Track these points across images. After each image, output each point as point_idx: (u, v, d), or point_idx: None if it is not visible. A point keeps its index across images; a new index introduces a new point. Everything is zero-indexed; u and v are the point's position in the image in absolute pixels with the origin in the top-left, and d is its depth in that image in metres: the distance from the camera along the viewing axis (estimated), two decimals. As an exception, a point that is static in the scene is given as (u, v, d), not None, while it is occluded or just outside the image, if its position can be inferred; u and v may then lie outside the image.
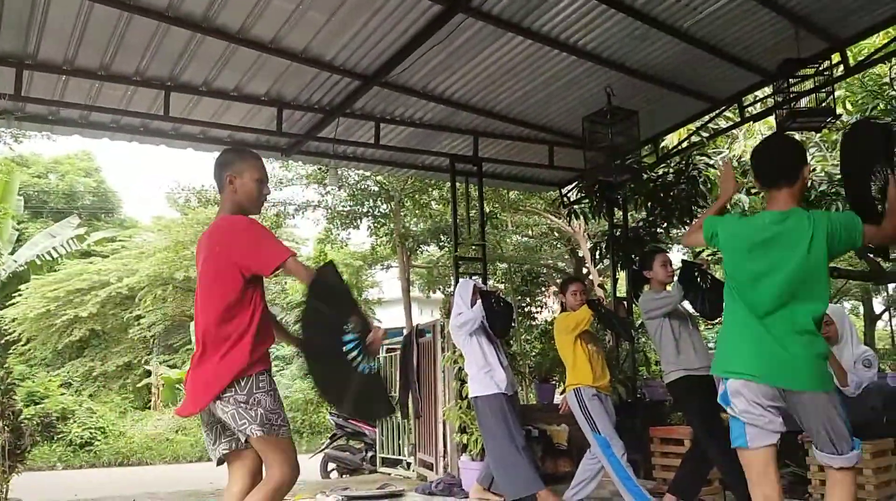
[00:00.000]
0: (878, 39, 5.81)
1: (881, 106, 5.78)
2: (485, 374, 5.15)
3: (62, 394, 13.12)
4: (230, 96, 5.53)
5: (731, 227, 2.67)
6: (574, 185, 7.92)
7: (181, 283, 18.70)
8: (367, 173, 12.46)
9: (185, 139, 6.11)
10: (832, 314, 4.66)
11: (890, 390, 5.11)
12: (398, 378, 7.22)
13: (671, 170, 6.96)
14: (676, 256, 15.79)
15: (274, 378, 2.65)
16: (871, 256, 7.27)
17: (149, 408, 16.24)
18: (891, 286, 16.20)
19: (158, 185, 37.47)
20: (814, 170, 6.42)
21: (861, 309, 19.22)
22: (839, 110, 5.76)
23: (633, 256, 7.13)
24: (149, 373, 17.35)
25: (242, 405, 2.46)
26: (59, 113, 5.55)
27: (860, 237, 2.44)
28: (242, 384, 2.47)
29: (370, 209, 13.58)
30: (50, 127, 5.71)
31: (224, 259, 2.51)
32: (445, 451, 6.33)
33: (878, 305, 19.17)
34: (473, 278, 5.80)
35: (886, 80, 5.90)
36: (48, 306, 17.43)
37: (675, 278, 4.64)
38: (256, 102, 5.65)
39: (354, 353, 2.50)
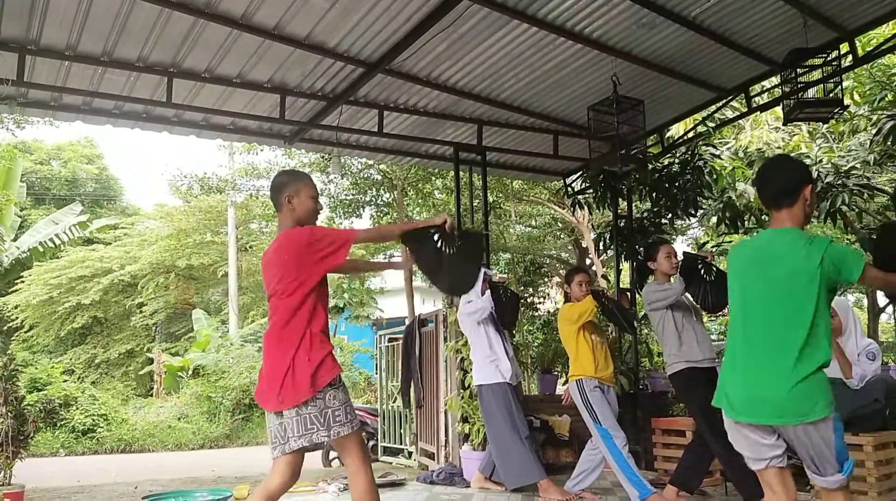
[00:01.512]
0: (887, 29, 5.75)
1: (889, 97, 5.73)
2: (490, 363, 5.17)
3: (65, 381, 13.15)
4: (233, 83, 5.49)
5: (735, 250, 2.65)
6: (578, 174, 7.88)
7: (183, 271, 18.73)
8: (371, 162, 12.41)
9: (188, 126, 6.08)
10: (837, 306, 4.64)
11: (893, 382, 5.09)
12: (400, 368, 7.23)
13: (677, 160, 6.92)
14: (681, 247, 15.77)
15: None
16: (877, 248, 7.23)
17: (151, 395, 16.29)
18: None
19: (161, 172, 37.36)
20: (820, 161, 6.38)
21: (865, 302, 19.16)
22: (847, 101, 5.72)
23: (637, 246, 7.10)
24: (151, 361, 17.40)
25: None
26: (61, 99, 5.53)
27: (856, 274, 2.32)
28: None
29: (373, 198, 13.54)
30: (52, 113, 5.69)
31: (296, 262, 2.80)
32: (447, 440, 6.33)
33: (882, 298, 19.10)
34: (483, 267, 5.79)
35: (895, 70, 5.84)
36: (51, 294, 17.47)
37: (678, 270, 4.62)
38: (259, 89, 5.62)
39: (439, 243, 3.08)
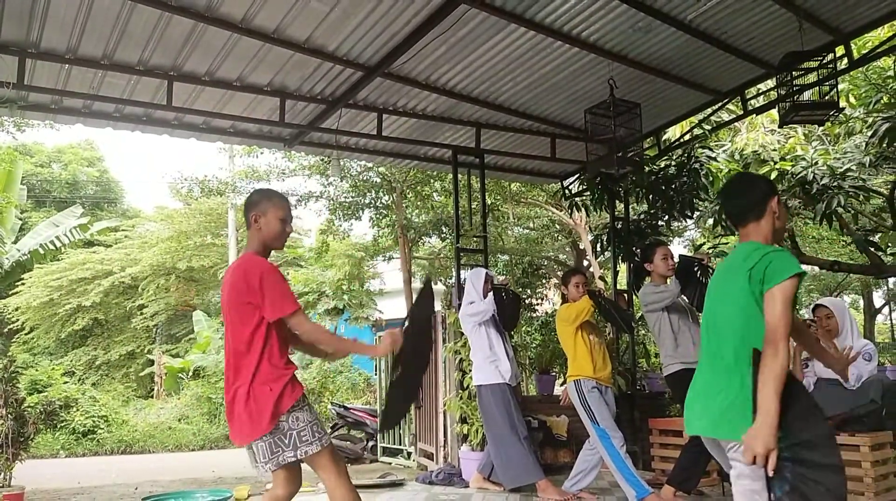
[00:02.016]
0: (882, 32, 5.78)
1: (885, 99, 5.76)
2: (490, 363, 5.20)
3: (65, 383, 13.16)
4: (233, 86, 5.53)
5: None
6: (576, 177, 7.92)
7: (183, 273, 18.74)
8: (370, 164, 12.44)
9: (188, 129, 6.11)
10: (833, 307, 4.68)
11: (889, 383, 5.12)
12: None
13: (673, 163, 6.95)
14: (678, 248, 15.79)
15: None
16: (872, 249, 7.26)
17: (151, 397, 16.30)
18: (891, 280, 16.20)
19: (161, 175, 37.42)
20: (816, 163, 6.40)
21: (861, 303, 19.21)
22: (842, 104, 5.74)
23: (634, 248, 7.14)
24: (151, 362, 17.42)
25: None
26: (61, 102, 5.56)
27: (770, 284, 2.10)
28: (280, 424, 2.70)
29: (372, 201, 13.56)
30: (53, 116, 5.72)
31: (243, 296, 2.73)
32: (446, 441, 6.36)
33: (878, 298, 19.17)
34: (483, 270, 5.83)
35: (890, 73, 5.87)
36: (51, 296, 17.49)
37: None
38: (259, 92, 5.65)
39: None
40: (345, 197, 13.83)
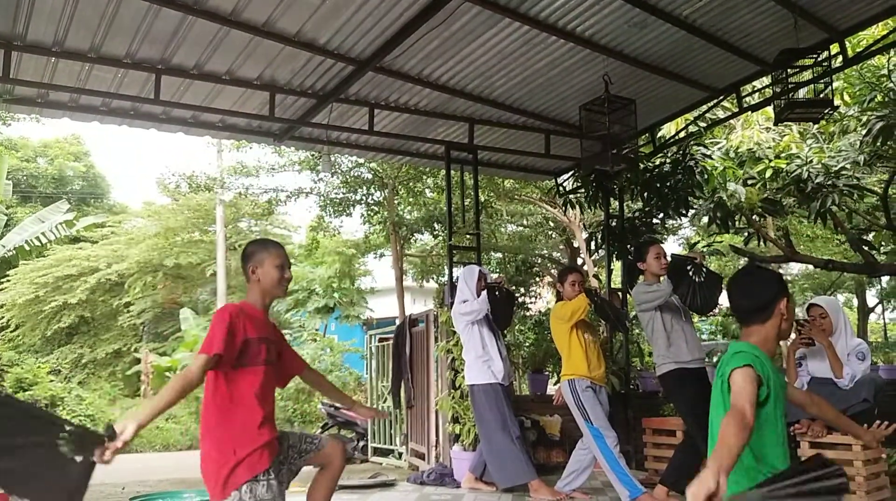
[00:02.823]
0: (876, 30, 5.77)
1: (879, 98, 5.74)
2: (483, 363, 5.16)
3: (51, 381, 13.02)
4: (222, 80, 5.44)
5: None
6: (570, 174, 7.87)
7: (171, 270, 18.59)
8: (361, 160, 12.36)
9: (176, 123, 6.02)
10: (827, 306, 4.66)
11: (882, 382, 5.12)
12: (390, 368, 7.19)
13: (668, 160, 6.92)
14: (673, 247, 15.80)
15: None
16: (866, 248, 7.26)
17: (138, 396, 16.16)
18: (884, 279, 16.29)
19: (148, 170, 37.12)
20: (810, 161, 6.39)
21: (855, 301, 19.33)
22: (837, 101, 5.73)
23: (628, 246, 7.10)
24: (138, 361, 17.26)
25: None
26: (48, 95, 5.46)
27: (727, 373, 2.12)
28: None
29: (363, 197, 13.48)
30: (39, 110, 5.64)
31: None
32: (437, 441, 6.31)
33: (871, 297, 19.29)
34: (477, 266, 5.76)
35: (884, 71, 5.86)
36: (37, 293, 17.30)
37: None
38: (248, 86, 5.56)
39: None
40: (335, 193, 13.74)
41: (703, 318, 10.40)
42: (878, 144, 5.71)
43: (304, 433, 2.91)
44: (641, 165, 6.76)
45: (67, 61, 4.97)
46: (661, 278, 4.64)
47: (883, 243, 7.75)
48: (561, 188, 7.92)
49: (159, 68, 5.20)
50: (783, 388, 2.25)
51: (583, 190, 7.47)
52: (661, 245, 4.87)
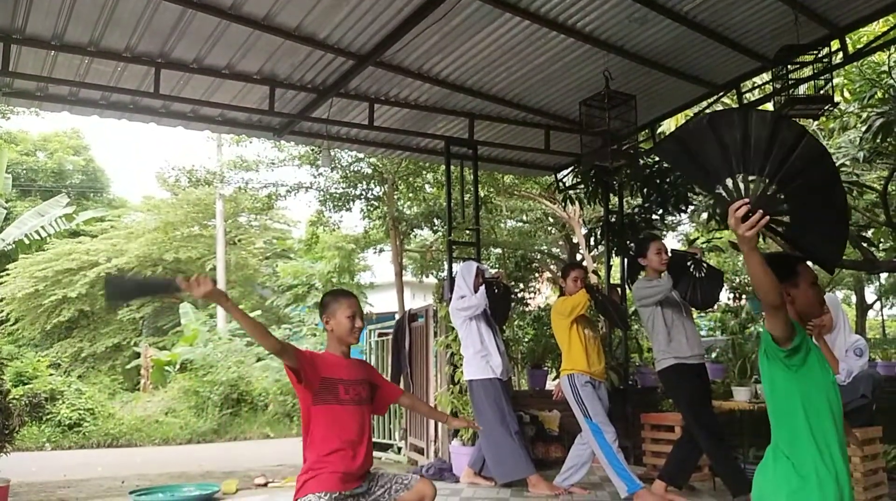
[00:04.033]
0: (877, 27, 5.76)
1: (879, 94, 5.74)
2: (481, 358, 5.16)
3: (51, 375, 13.02)
4: (222, 74, 5.43)
5: None
6: (570, 170, 7.86)
7: (170, 264, 18.57)
8: (361, 155, 12.34)
9: (176, 117, 6.02)
10: (827, 302, 4.67)
11: (879, 378, 5.14)
12: (390, 363, 7.20)
13: (667, 156, 6.91)
14: (672, 243, 15.80)
15: None
16: (865, 245, 7.27)
17: (138, 390, 16.16)
18: (883, 276, 16.29)
19: (148, 164, 37.04)
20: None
21: (853, 298, 19.33)
22: (837, 98, 5.72)
23: (627, 242, 7.10)
24: (138, 355, 17.27)
25: None
26: (47, 89, 5.46)
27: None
28: None
29: (363, 192, 13.45)
30: (38, 103, 5.61)
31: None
32: (436, 436, 6.32)
33: (869, 294, 19.28)
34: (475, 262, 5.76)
35: (885, 68, 5.85)
36: (36, 286, 17.28)
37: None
38: (248, 80, 5.56)
39: None
40: (335, 188, 13.71)
41: (703, 314, 10.39)
42: (878, 140, 5.71)
43: (399, 474, 3.24)
44: (641, 162, 6.75)
45: (67, 55, 4.96)
46: (662, 274, 4.64)
47: (882, 240, 7.74)
48: (560, 184, 7.91)
49: (159, 62, 5.19)
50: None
51: (582, 186, 7.46)
52: (662, 241, 4.87)
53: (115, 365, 18.29)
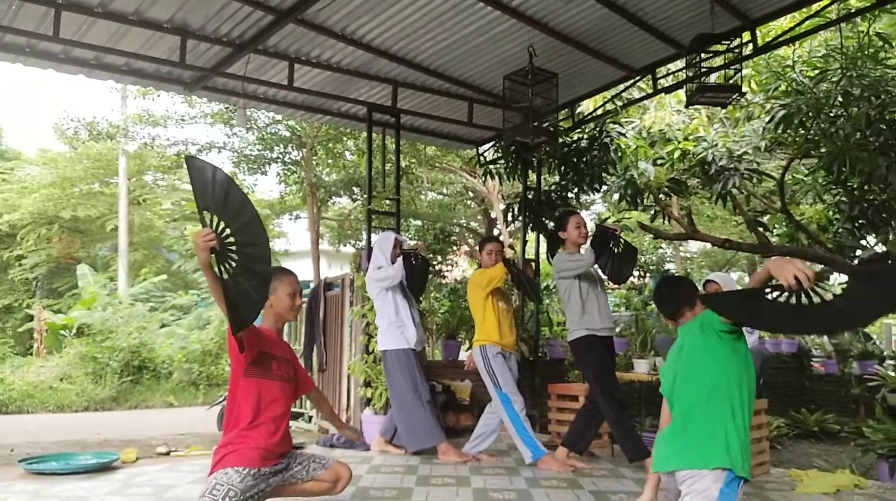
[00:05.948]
0: (785, 22, 6.05)
1: (783, 87, 6.05)
2: (396, 329, 5.17)
3: (-70, 337, 12.05)
4: (129, 20, 5.07)
5: None
6: (491, 144, 7.91)
7: (68, 223, 17.46)
8: (279, 117, 11.94)
9: (77, 64, 5.58)
10: (720, 281, 4.96)
11: (768, 354, 5.53)
12: (303, 332, 7.09)
13: (585, 136, 7.07)
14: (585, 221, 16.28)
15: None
16: (761, 229, 7.73)
17: (31, 354, 15.19)
18: (774, 259, 17.41)
19: (45, 114, 34.39)
20: (715, 145, 6.69)
21: (747, 279, 20.62)
22: (745, 88, 5.98)
23: (543, 219, 7.25)
24: (31, 317, 16.19)
25: None
26: (-75, 23, 4.90)
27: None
28: None
29: (280, 155, 13.06)
30: (-84, 40, 5.04)
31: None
32: (349, 405, 6.31)
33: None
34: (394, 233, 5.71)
35: (789, 62, 6.17)
36: (-85, 241, 15.84)
37: (588, 242, 4.75)
38: (158, 28, 5.21)
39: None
40: (250, 150, 13.24)
41: (610, 290, 10.85)
42: (779, 131, 6.03)
43: (316, 454, 3.28)
44: (560, 140, 6.87)
45: (-51, -14, 4.48)
46: (583, 248, 4.78)
47: (776, 226, 8.25)
48: (482, 158, 7.95)
49: (59, 3, 4.78)
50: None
51: (503, 161, 7.53)
52: (581, 216, 5.01)
53: (6, 328, 17.15)
